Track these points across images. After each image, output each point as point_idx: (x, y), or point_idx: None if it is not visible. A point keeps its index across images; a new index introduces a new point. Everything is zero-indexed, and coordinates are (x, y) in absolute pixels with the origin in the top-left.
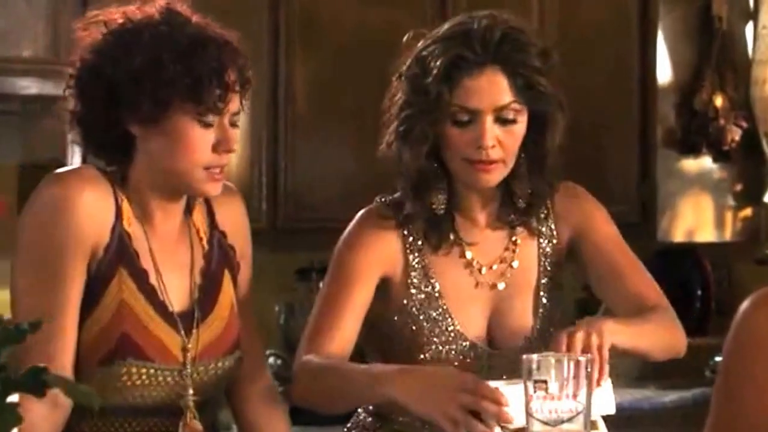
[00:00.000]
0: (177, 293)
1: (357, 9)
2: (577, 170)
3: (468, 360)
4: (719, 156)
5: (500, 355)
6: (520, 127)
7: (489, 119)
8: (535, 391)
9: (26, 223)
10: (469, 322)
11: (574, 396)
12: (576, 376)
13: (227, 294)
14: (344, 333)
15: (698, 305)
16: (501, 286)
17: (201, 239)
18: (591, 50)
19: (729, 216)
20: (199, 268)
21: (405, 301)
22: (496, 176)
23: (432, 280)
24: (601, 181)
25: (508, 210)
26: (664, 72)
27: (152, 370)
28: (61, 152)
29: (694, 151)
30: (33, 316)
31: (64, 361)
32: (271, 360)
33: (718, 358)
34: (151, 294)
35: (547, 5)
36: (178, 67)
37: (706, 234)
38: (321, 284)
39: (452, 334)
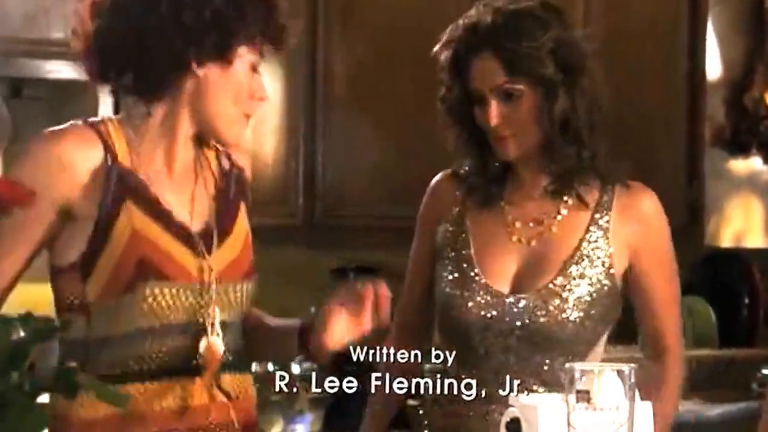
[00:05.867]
0: (191, 217)
1: None
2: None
3: (490, 311)
4: None
5: (518, 305)
6: (526, 102)
7: (493, 98)
8: (577, 402)
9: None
10: (494, 273)
11: (617, 407)
12: (619, 387)
13: (242, 223)
14: (412, 288)
15: (745, 314)
16: (533, 243)
17: (211, 168)
18: (637, 45)
19: None
20: (210, 195)
21: (442, 250)
22: (511, 148)
23: (465, 232)
24: (646, 182)
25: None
26: (714, 68)
27: (174, 290)
28: None
29: (743, 151)
30: None
31: None
32: (306, 364)
33: (765, 371)
34: (166, 217)
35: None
36: (257, 9)
37: (755, 239)
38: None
39: (474, 284)
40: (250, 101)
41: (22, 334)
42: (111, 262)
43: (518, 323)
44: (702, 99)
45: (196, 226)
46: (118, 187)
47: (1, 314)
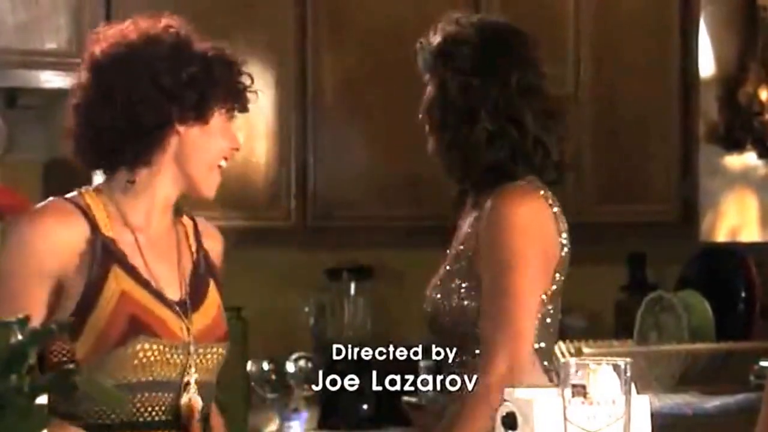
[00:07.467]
0: (169, 285)
1: (386, 1)
2: (616, 167)
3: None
4: (764, 152)
5: (429, 301)
6: None
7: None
8: (573, 396)
9: None
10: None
11: (613, 401)
12: (615, 381)
13: (214, 295)
14: None
15: (742, 308)
16: (451, 248)
17: (189, 242)
18: (629, 41)
19: None
20: (188, 268)
21: None
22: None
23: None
24: (640, 179)
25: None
26: (707, 64)
27: (162, 347)
28: None
29: (737, 146)
30: None
31: None
32: (302, 363)
33: (762, 363)
34: (146, 285)
35: None
36: (226, 72)
37: (751, 233)
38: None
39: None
40: (229, 151)
41: (20, 337)
42: (101, 322)
43: (429, 317)
44: (695, 96)
45: (173, 293)
46: (104, 255)
47: None
